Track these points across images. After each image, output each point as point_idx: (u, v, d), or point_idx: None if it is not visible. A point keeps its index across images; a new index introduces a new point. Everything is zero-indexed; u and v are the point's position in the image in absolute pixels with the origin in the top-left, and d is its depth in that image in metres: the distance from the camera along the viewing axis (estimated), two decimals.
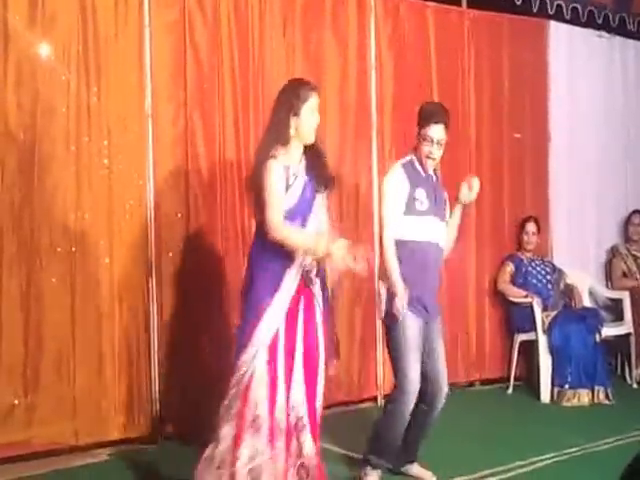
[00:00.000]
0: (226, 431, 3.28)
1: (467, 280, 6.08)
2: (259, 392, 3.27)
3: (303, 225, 3.41)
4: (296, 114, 3.34)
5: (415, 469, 4.16)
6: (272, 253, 3.32)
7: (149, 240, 4.60)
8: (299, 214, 3.40)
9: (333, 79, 5.40)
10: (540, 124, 6.51)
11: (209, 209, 4.80)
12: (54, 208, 4.30)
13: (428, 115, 3.98)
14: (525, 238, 6.22)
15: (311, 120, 3.39)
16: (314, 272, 3.44)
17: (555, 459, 4.37)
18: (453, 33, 6.01)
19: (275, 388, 3.30)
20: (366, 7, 5.54)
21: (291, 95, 3.38)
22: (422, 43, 5.84)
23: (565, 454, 4.44)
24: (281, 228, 3.28)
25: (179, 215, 4.70)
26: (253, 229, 4.70)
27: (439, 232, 4.01)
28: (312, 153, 3.46)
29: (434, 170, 4.07)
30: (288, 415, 3.34)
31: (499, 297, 6.19)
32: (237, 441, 3.24)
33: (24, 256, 4.22)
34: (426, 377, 3.99)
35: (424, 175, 3.99)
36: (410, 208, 3.91)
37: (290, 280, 3.35)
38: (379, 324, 5.50)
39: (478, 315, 6.14)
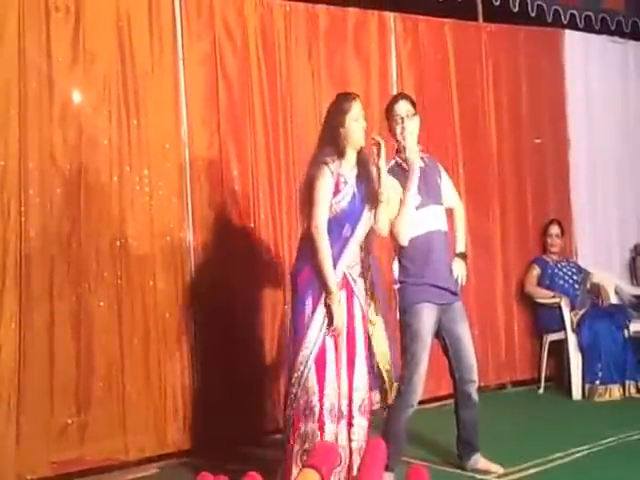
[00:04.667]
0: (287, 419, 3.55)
1: (494, 285, 6.13)
2: (312, 383, 3.49)
3: (352, 232, 3.60)
4: (342, 125, 3.58)
5: (481, 463, 4.18)
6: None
7: (189, 260, 4.75)
8: (348, 220, 3.60)
9: None
10: (559, 129, 6.57)
11: (244, 229, 4.96)
12: (100, 235, 4.46)
13: (389, 103, 4.11)
14: (549, 241, 6.27)
15: (356, 127, 3.61)
16: (357, 273, 3.65)
17: (591, 450, 4.40)
18: (471, 47, 6.11)
19: (324, 378, 3.50)
20: (386, 27, 5.68)
21: (335, 109, 3.65)
22: (441, 59, 5.94)
23: (601, 445, 4.47)
24: (322, 232, 3.52)
25: (216, 237, 4.84)
26: (287, 247, 4.90)
27: (436, 219, 4.04)
28: (362, 165, 3.67)
29: (422, 157, 4.07)
30: (339, 401, 3.53)
31: (526, 300, 6.24)
32: (295, 425, 3.50)
33: (73, 282, 4.38)
34: (456, 359, 4.09)
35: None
36: None
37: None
38: None
39: (506, 319, 6.19)
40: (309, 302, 3.55)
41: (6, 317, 4.16)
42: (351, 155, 3.63)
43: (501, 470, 4.11)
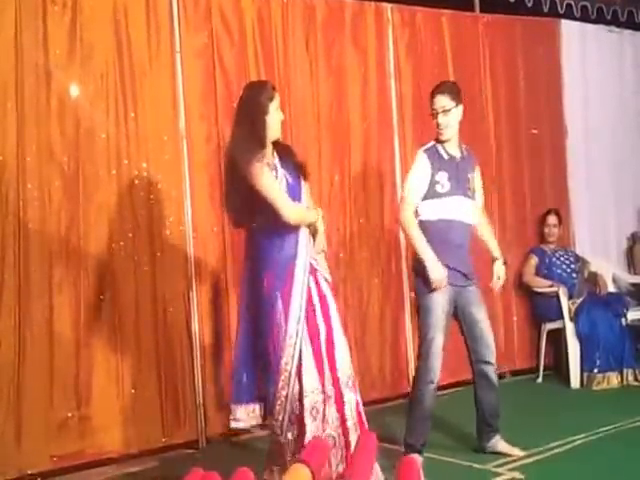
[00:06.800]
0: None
1: (492, 275, 6.02)
2: (307, 380, 3.39)
3: None
4: (266, 113, 3.46)
5: (500, 445, 4.22)
6: (278, 247, 3.46)
7: (188, 254, 4.70)
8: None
9: (355, 88, 5.50)
10: (556, 119, 6.54)
11: None
12: (99, 229, 4.41)
13: (431, 93, 4.18)
14: (547, 230, 6.25)
15: (278, 116, 3.52)
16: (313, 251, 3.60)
17: (590, 438, 4.40)
18: (468, 38, 6.08)
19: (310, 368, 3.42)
20: (383, 18, 5.63)
21: (259, 96, 3.49)
22: (439, 49, 5.91)
23: (599, 433, 4.47)
24: (294, 210, 3.43)
25: (215, 229, 4.81)
26: None
27: (464, 209, 4.12)
28: (280, 149, 3.60)
29: (461, 148, 4.18)
30: (324, 385, 3.45)
31: (524, 289, 6.22)
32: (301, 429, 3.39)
33: (72, 276, 4.33)
34: (473, 341, 4.15)
35: (446, 158, 4.10)
36: (432, 191, 4.05)
37: (301, 272, 3.45)
38: (409, 322, 5.62)
39: (505, 308, 6.16)
40: (279, 300, 3.42)
41: (5, 311, 4.12)
42: (269, 146, 3.54)
43: (522, 453, 4.15)
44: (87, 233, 4.37)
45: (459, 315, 4.16)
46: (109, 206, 4.45)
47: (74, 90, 4.38)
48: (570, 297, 5.92)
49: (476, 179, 4.27)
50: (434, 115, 4.10)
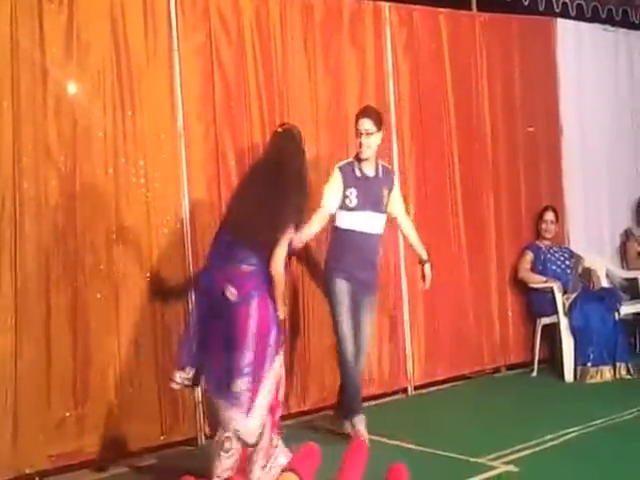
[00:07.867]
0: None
1: (488, 271, 6.03)
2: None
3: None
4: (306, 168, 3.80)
5: (360, 424, 4.36)
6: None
7: (186, 252, 4.57)
8: None
9: (353, 87, 5.36)
10: (552, 117, 6.43)
11: None
12: (96, 228, 4.27)
13: (356, 116, 4.48)
14: (543, 227, 6.16)
15: None
16: None
17: (584, 430, 4.37)
18: (465, 36, 5.95)
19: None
20: (381, 17, 5.49)
21: (301, 148, 3.82)
22: (436, 48, 5.78)
23: (593, 425, 4.45)
24: (282, 272, 3.63)
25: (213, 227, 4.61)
26: None
27: (371, 223, 4.44)
28: None
29: (378, 168, 4.47)
30: None
31: (520, 285, 6.13)
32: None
33: (70, 275, 4.19)
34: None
35: (359, 175, 4.41)
36: (343, 204, 4.39)
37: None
38: (406, 318, 5.55)
39: (501, 304, 6.08)
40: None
41: (2, 311, 3.97)
42: None
43: (367, 436, 4.31)
44: (84, 232, 4.22)
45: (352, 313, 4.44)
46: (106, 205, 4.29)
47: (71, 88, 4.22)
48: (564, 292, 5.85)
49: (395, 194, 4.58)
50: (358, 135, 4.38)
